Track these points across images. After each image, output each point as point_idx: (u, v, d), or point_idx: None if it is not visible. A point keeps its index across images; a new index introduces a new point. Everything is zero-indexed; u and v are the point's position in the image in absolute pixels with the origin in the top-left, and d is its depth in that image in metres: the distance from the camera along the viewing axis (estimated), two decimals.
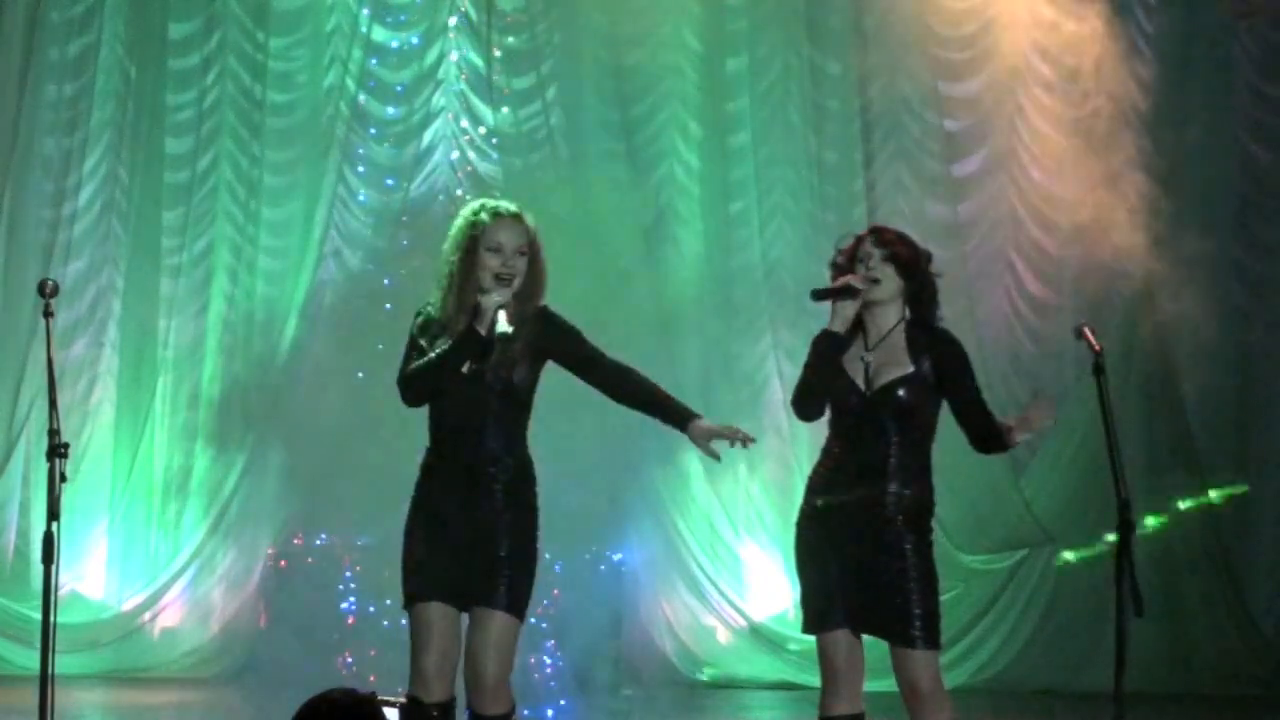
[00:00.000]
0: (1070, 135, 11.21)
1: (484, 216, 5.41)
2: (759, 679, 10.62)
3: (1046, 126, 11.20)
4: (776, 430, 10.95)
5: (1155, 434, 11.10)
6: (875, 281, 5.41)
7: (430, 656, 5.34)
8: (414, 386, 5.38)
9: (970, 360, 5.49)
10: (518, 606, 5.35)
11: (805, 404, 5.52)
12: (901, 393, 5.38)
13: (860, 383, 5.43)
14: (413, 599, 5.39)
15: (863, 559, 5.38)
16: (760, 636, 10.69)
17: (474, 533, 5.36)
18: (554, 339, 5.46)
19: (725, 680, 10.62)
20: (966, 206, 11.14)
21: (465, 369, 5.33)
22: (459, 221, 5.49)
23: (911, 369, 5.39)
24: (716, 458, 5.60)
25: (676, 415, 5.53)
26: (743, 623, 10.73)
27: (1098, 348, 5.16)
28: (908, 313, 5.48)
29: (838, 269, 5.56)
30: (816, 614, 5.47)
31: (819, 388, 5.46)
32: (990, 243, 11.24)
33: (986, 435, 5.43)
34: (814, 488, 5.57)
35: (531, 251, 5.44)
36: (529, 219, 5.47)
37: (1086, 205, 11.20)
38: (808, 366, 5.51)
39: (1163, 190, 11.23)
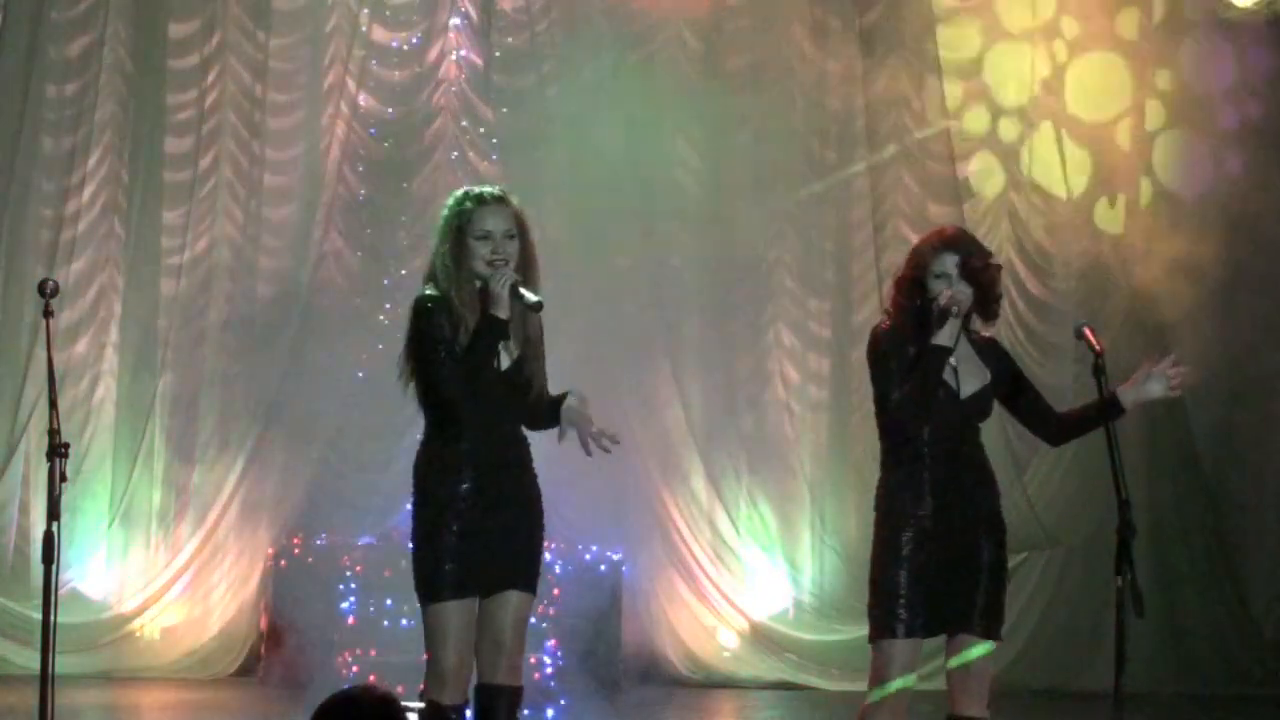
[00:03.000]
0: (1071, 135, 11.23)
1: (468, 204, 5.43)
2: (759, 679, 10.62)
3: (1047, 126, 11.21)
4: (778, 430, 10.95)
5: (1155, 434, 11.10)
6: (968, 297, 5.47)
7: (452, 659, 5.36)
8: (451, 389, 5.37)
9: None
10: (535, 584, 5.50)
11: (919, 413, 5.46)
12: (984, 400, 5.53)
13: (954, 386, 5.48)
14: (438, 597, 5.38)
15: (951, 558, 5.40)
16: (760, 637, 10.69)
17: (506, 522, 5.41)
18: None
19: (725, 680, 10.62)
20: (968, 206, 11.14)
21: (498, 362, 5.35)
22: (444, 213, 5.52)
23: (990, 378, 5.54)
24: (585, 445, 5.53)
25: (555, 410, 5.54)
26: (743, 623, 10.72)
27: (1099, 348, 5.16)
28: (973, 320, 5.55)
29: (909, 284, 5.53)
30: (889, 618, 5.40)
31: (930, 398, 5.45)
32: (990, 242, 11.22)
33: (1059, 425, 5.64)
34: (897, 495, 5.48)
35: (520, 232, 5.45)
36: (514, 200, 5.49)
37: (1087, 205, 11.21)
38: (916, 380, 5.44)
39: (1163, 189, 11.25)
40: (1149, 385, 5.58)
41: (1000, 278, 5.58)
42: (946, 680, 5.50)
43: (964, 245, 5.55)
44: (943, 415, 5.46)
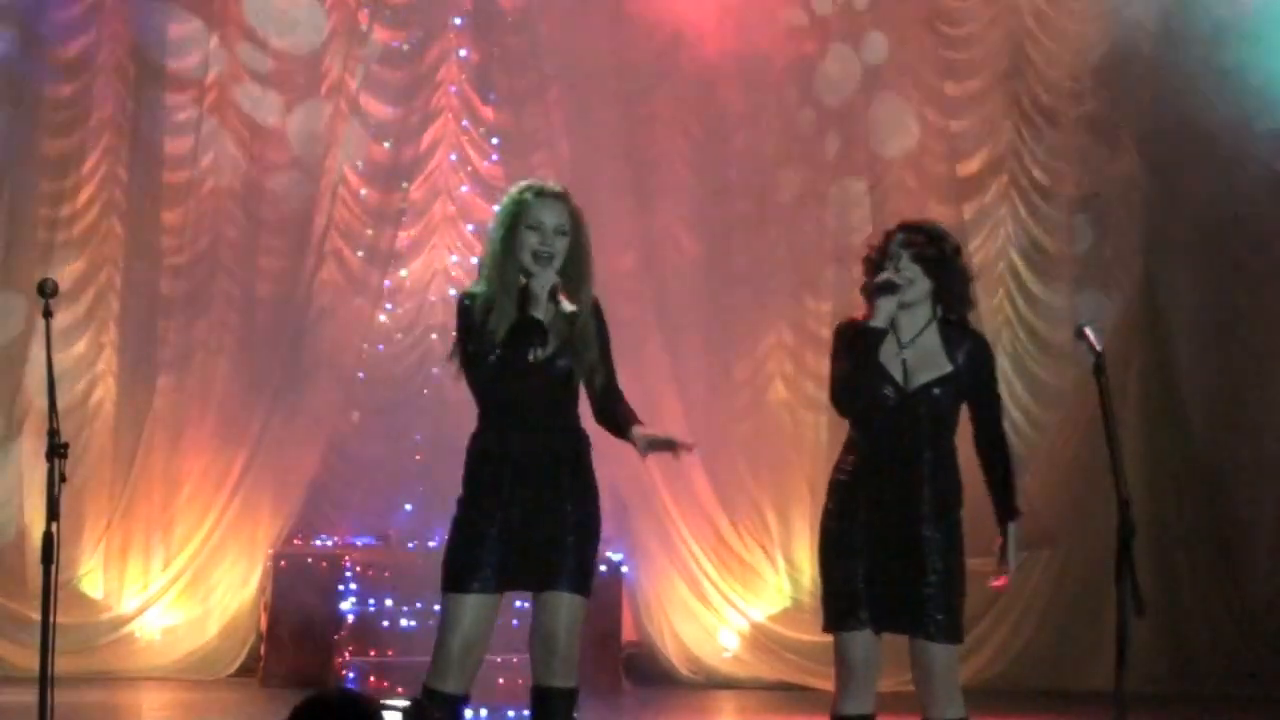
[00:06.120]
0: (1071, 134, 11.23)
1: (528, 195, 5.49)
2: (759, 679, 10.62)
3: (1047, 126, 11.21)
4: (779, 430, 10.96)
5: (1155, 434, 11.11)
6: (908, 281, 5.44)
7: (456, 646, 5.37)
8: (493, 384, 5.41)
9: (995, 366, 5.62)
10: (587, 586, 5.44)
11: (850, 398, 5.47)
12: (938, 392, 5.44)
13: (899, 379, 5.43)
14: (454, 587, 5.39)
15: (891, 554, 5.38)
16: (760, 637, 10.69)
17: (543, 518, 5.40)
18: (601, 333, 5.58)
19: (725, 680, 10.62)
20: (968, 206, 11.14)
21: (531, 356, 5.36)
22: (505, 200, 5.58)
23: (950, 368, 5.46)
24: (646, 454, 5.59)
25: (629, 428, 5.57)
26: (743, 623, 10.73)
27: (1098, 348, 5.16)
28: (939, 311, 5.50)
29: (869, 264, 5.57)
30: (839, 612, 5.44)
31: (864, 383, 5.44)
32: (991, 242, 11.26)
33: (992, 442, 5.53)
34: (842, 484, 5.51)
35: (574, 232, 5.50)
36: (573, 201, 5.51)
37: (1086, 204, 11.22)
38: (849, 362, 5.44)
39: (1162, 188, 11.25)
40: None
41: (965, 274, 5.54)
42: (915, 688, 5.48)
43: (914, 230, 5.55)
44: (880, 405, 5.44)
